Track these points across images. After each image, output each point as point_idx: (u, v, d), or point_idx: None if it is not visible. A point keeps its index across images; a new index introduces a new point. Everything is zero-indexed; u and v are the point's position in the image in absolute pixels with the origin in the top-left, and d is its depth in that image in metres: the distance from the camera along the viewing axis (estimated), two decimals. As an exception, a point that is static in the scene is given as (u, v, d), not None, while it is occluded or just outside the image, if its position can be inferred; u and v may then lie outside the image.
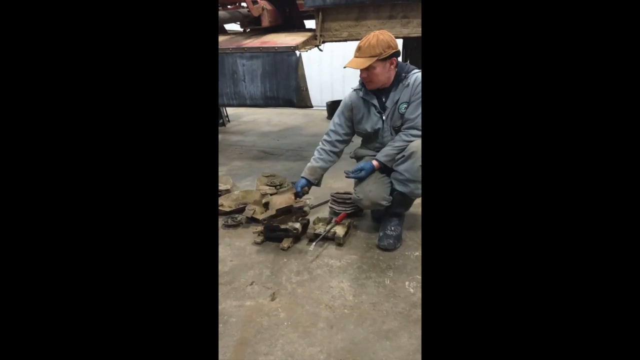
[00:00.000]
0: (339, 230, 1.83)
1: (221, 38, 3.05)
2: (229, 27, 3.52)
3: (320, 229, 1.86)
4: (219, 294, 1.46)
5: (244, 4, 3.12)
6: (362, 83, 1.77)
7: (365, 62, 1.60)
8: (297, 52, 2.59)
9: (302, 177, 1.95)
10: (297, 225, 1.83)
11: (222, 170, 3.04)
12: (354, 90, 1.85)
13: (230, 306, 1.39)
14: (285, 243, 1.80)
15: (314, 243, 1.78)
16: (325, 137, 1.95)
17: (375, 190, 1.76)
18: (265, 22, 2.92)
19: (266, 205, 2.04)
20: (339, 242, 1.81)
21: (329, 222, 1.92)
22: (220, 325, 1.29)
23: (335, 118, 1.92)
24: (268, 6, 2.97)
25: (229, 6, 3.31)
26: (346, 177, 1.84)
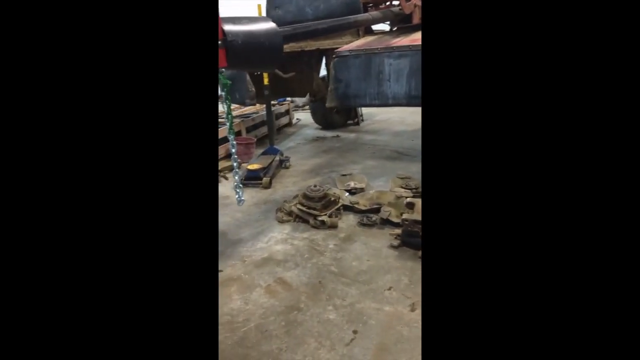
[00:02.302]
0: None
1: (369, 38, 3.10)
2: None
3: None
4: (358, 291, 1.49)
5: (395, 2, 3.08)
6: None
7: None
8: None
9: None
10: (439, 235, 1.70)
11: (356, 169, 3.11)
12: None
13: (369, 307, 1.39)
14: (424, 252, 1.70)
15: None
16: None
17: None
18: (416, 19, 2.82)
19: (409, 206, 1.98)
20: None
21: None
22: (359, 325, 1.30)
23: None
24: (419, 3, 2.86)
25: (380, 6, 3.33)
26: None
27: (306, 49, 3.14)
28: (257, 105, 4.75)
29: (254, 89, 3.43)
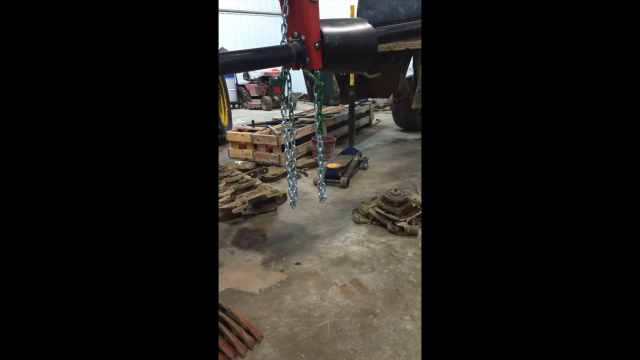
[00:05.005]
0: None
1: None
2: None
3: None
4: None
5: None
6: None
7: None
8: None
9: None
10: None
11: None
12: None
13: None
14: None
15: None
16: None
17: None
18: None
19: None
20: None
21: None
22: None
23: None
24: None
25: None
26: None
27: (395, 49, 3.08)
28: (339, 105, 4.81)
29: (338, 90, 3.48)
